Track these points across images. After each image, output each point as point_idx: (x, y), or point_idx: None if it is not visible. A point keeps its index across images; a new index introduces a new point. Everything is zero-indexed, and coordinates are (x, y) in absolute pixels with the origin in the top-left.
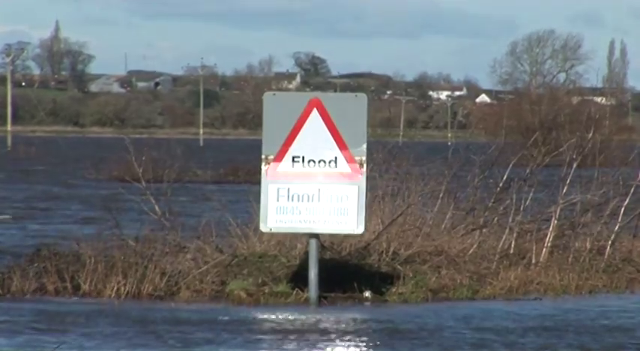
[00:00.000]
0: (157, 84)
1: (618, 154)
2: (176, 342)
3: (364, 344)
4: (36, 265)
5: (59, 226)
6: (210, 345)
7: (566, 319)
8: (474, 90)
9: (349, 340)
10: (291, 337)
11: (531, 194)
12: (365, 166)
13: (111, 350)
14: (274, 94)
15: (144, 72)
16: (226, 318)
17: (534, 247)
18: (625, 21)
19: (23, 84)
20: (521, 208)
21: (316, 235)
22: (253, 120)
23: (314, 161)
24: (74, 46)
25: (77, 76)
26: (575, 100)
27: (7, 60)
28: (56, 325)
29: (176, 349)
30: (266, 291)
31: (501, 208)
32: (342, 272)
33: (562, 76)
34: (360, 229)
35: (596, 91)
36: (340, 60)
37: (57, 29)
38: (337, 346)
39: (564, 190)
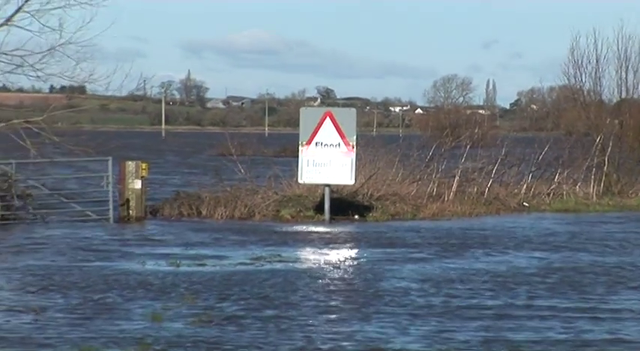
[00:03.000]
0: (242, 103)
1: (491, 141)
2: (256, 241)
3: (354, 241)
4: (177, 201)
5: (188, 180)
6: (275, 243)
7: (464, 228)
8: (414, 106)
9: (346, 240)
10: (315, 237)
11: (445, 162)
12: (355, 147)
13: (225, 244)
14: (306, 108)
15: (236, 97)
16: (283, 229)
17: (446, 192)
18: (495, 69)
19: (170, 103)
20: (439, 170)
21: (329, 185)
22: (295, 123)
23: (327, 145)
24: (198, 83)
25: (199, 99)
26: (468, 112)
27: (162, 90)
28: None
29: (255, 242)
30: (302, 215)
31: (428, 170)
32: (343, 205)
33: (461, 99)
34: (352, 182)
35: (479, 107)
36: (342, 90)
37: (189, 74)
38: (340, 242)
39: (462, 160)
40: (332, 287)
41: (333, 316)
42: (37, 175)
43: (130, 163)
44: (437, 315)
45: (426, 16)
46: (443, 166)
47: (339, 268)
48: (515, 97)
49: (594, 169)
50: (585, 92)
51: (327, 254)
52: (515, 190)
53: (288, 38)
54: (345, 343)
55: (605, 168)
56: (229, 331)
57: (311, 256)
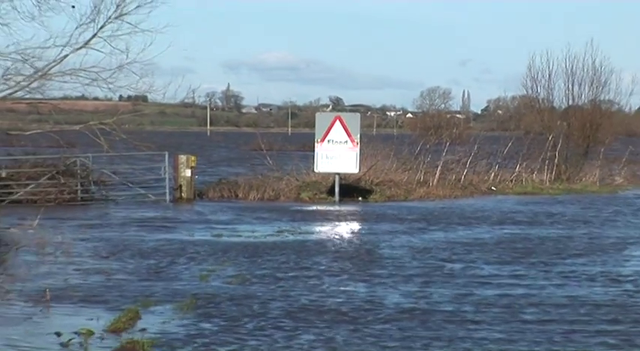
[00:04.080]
0: (270, 109)
1: (466, 139)
2: (281, 217)
3: (358, 217)
4: (219, 186)
5: (228, 170)
6: (296, 219)
7: (445, 207)
8: (405, 111)
9: (352, 216)
10: (328, 214)
11: (430, 155)
12: (359, 143)
13: (257, 220)
14: (320, 113)
15: (265, 104)
16: (302, 208)
17: (431, 179)
18: (470, 82)
19: (214, 109)
20: (426, 161)
21: (338, 173)
22: (312, 124)
23: (337, 142)
24: (235, 93)
25: (237, 106)
26: (448, 115)
27: (207, 99)
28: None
29: (280, 218)
30: (317, 197)
31: (417, 162)
32: (349, 189)
33: (443, 106)
34: (357, 171)
35: (457, 112)
36: (349, 98)
37: (228, 86)
38: (348, 219)
39: (444, 154)
40: (339, 254)
41: (340, 278)
42: (109, 165)
43: (182, 156)
44: (421, 277)
45: (415, 40)
46: (428, 159)
47: (345, 238)
48: (485, 104)
49: (547, 161)
50: (540, 100)
51: (337, 228)
52: (485, 178)
53: (307, 58)
54: (349, 299)
55: (556, 160)
56: (258, 288)
57: (324, 229)
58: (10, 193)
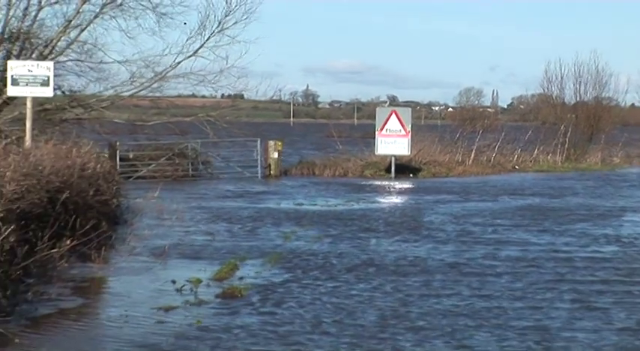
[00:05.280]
0: (340, 105)
1: (495, 128)
2: (348, 190)
3: (409, 190)
4: (300, 165)
5: (307, 152)
6: (360, 191)
7: (478, 182)
8: (447, 106)
9: (405, 189)
10: (385, 187)
11: (466, 141)
12: (410, 131)
13: (329, 192)
14: (380, 107)
15: (336, 100)
16: (365, 183)
17: (467, 159)
18: (498, 83)
19: (296, 104)
20: (463, 146)
21: (394, 155)
22: (373, 117)
23: (393, 130)
24: (313, 92)
25: (314, 102)
26: (480, 109)
27: (291, 96)
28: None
29: (348, 191)
30: (377, 174)
31: (456, 146)
32: (402, 167)
33: (476, 102)
34: (408, 153)
35: (488, 107)
36: (402, 96)
37: (307, 86)
38: (401, 191)
39: (477, 140)
40: (393, 220)
41: (392, 239)
42: (213, 149)
43: (271, 141)
44: (458, 238)
45: (455, 50)
46: (465, 143)
47: (399, 207)
48: (510, 100)
49: (559, 145)
50: (554, 97)
51: (392, 198)
52: (510, 158)
53: (369, 64)
54: (400, 255)
55: (566, 144)
56: (329, 246)
57: (382, 200)
58: (136, 171)
